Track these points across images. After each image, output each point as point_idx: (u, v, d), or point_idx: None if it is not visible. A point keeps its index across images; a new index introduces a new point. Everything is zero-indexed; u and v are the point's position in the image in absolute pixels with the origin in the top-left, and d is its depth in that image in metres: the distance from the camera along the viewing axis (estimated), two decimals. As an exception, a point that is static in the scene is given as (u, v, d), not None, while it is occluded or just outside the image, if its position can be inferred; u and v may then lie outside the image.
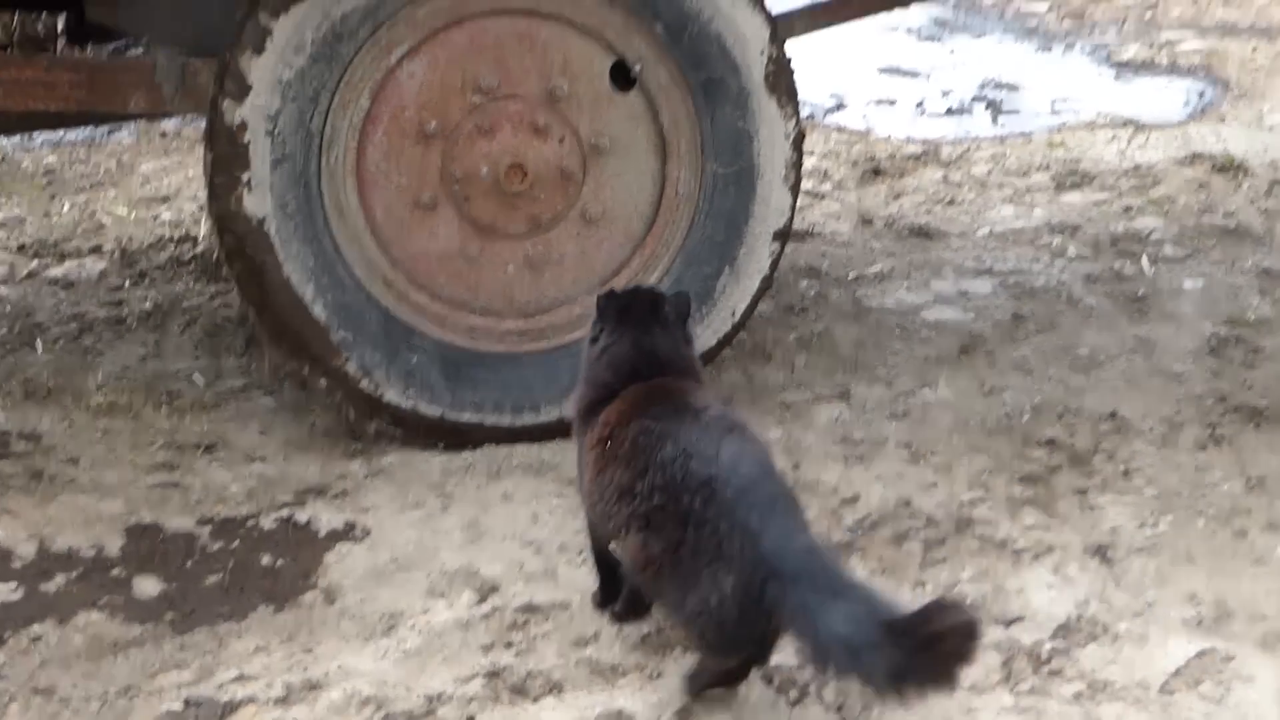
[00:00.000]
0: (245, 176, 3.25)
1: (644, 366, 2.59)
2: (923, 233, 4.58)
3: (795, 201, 3.47)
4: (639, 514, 2.40)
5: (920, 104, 5.90)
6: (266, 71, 3.20)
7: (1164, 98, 5.86)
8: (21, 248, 4.63)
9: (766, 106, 3.38)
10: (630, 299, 2.70)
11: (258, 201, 3.26)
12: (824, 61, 5.30)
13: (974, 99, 5.91)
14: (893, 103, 5.90)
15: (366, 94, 3.27)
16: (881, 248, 4.50)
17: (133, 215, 4.88)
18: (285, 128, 3.24)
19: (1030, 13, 6.79)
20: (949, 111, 5.81)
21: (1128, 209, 4.71)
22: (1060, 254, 4.41)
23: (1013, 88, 6.00)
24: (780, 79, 3.37)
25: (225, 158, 3.24)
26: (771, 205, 3.44)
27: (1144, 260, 4.34)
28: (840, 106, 5.86)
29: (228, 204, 3.27)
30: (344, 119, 3.27)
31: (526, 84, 3.32)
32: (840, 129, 5.59)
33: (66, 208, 4.95)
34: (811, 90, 5.73)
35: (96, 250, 4.61)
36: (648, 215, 3.43)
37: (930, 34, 6.62)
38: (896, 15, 6.66)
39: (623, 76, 3.34)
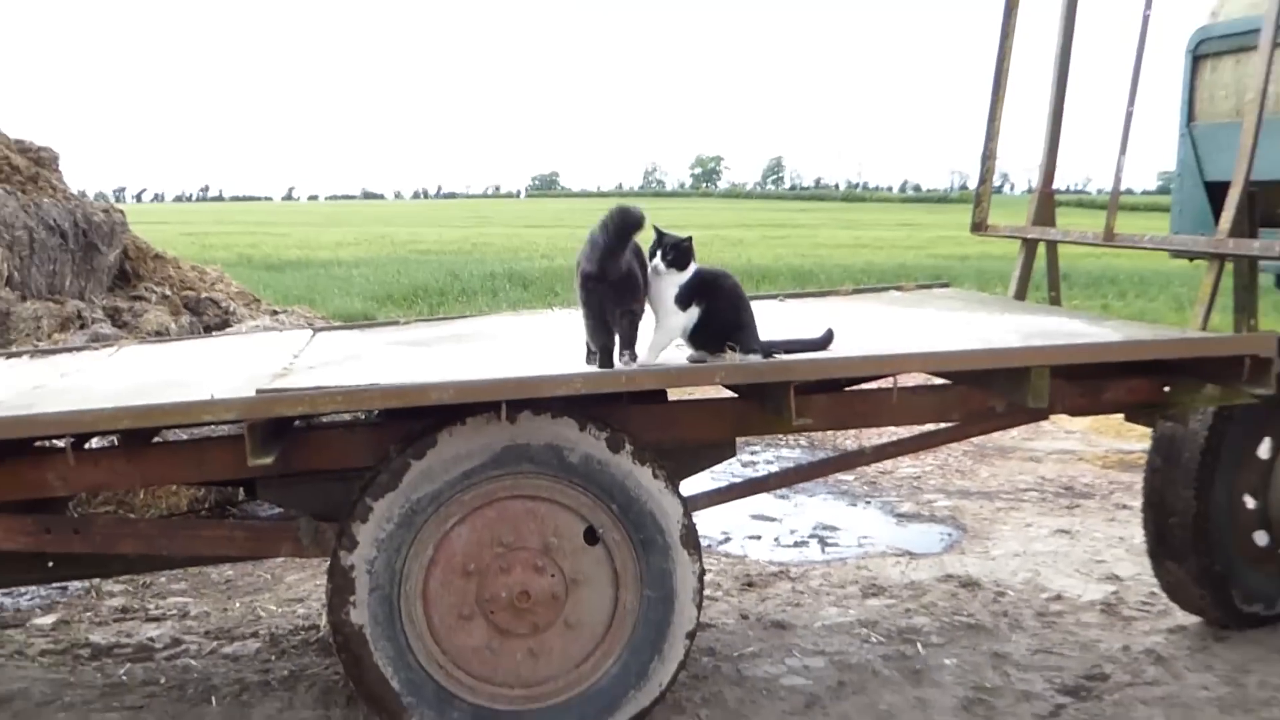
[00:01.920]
0: (351, 599, 3.27)
1: None
2: (780, 625, 4.58)
3: (699, 613, 3.49)
4: None
5: (777, 538, 5.94)
6: (368, 534, 3.26)
7: (927, 536, 5.94)
8: (207, 633, 4.57)
9: (681, 555, 3.43)
10: None
11: (359, 614, 3.27)
12: (717, 512, 5.33)
13: (810, 536, 5.97)
14: (759, 537, 5.95)
15: (431, 547, 3.32)
16: (754, 635, 4.48)
17: (280, 611, 4.83)
18: (379, 569, 3.27)
19: (842, 480, 6.92)
20: (795, 544, 5.85)
21: (907, 610, 4.73)
22: (866, 640, 4.40)
23: (834, 529, 6.07)
24: (690, 537, 3.44)
25: (340, 586, 3.27)
26: (685, 616, 3.45)
27: (919, 646, 4.33)
28: (727, 539, 5.90)
29: (339, 615, 3.28)
30: (416, 563, 3.31)
31: (531, 540, 3.38)
32: (727, 554, 5.63)
33: (237, 606, 4.90)
34: (709, 530, 5.82)
35: (254, 635, 4.55)
36: (606, 623, 3.43)
37: (782, 494, 6.70)
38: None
39: (592, 536, 3.40)
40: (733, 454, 3.83)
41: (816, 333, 3.56)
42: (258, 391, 3.08)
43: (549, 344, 4.06)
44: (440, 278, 19.54)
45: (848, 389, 3.92)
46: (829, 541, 5.84)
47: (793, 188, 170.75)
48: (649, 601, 3.43)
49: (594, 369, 3.24)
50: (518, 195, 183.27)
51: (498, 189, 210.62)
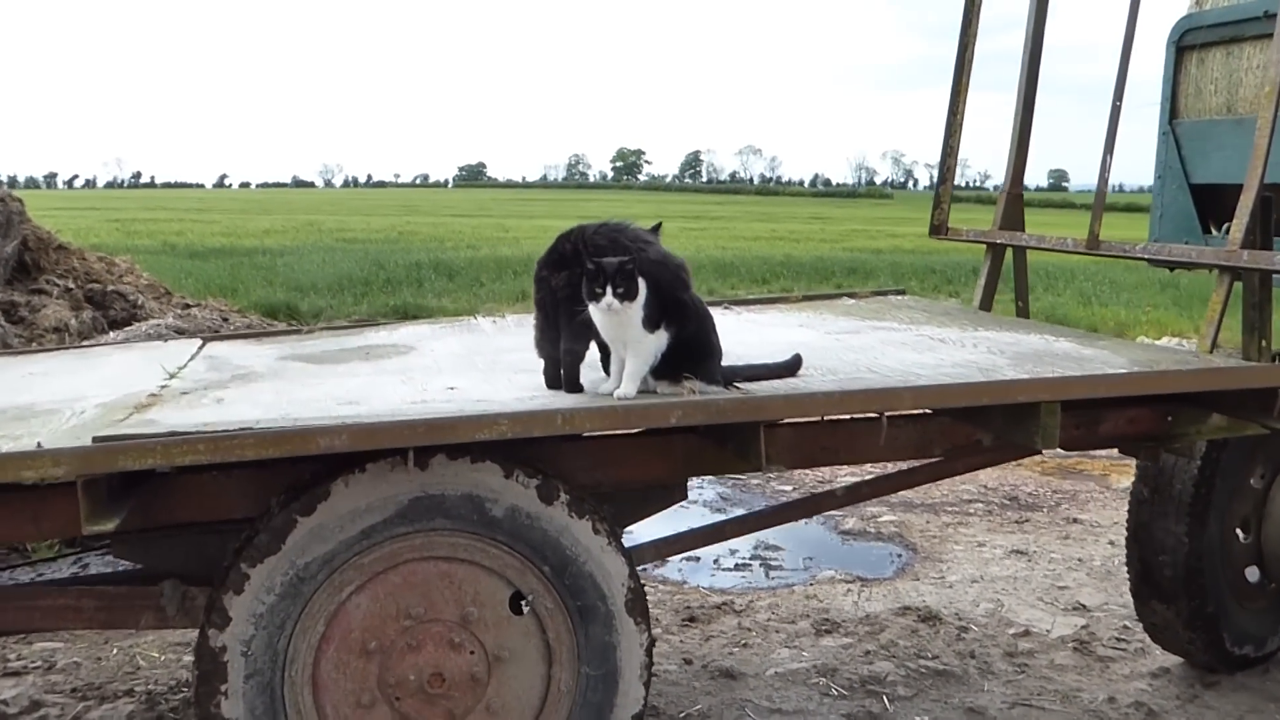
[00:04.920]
0: (223, 687, 2.50)
1: None
2: (728, 674, 3.91)
3: (648, 693, 2.77)
4: None
5: (717, 560, 5.27)
6: (244, 607, 2.50)
7: (875, 558, 5.33)
8: (74, 690, 3.76)
9: (626, 623, 2.71)
10: None
11: (232, 707, 2.51)
12: (651, 533, 4.63)
13: (751, 557, 5.32)
14: (698, 559, 5.25)
15: (322, 621, 2.57)
16: (700, 687, 3.80)
17: (163, 659, 4.04)
18: (257, 650, 2.52)
19: (781, 491, 6.30)
20: (736, 567, 5.20)
21: (867, 653, 4.09)
22: (826, 693, 3.75)
23: (776, 548, 5.41)
24: (636, 603, 2.72)
25: (208, 673, 2.51)
26: (630, 697, 2.74)
27: (885, 700, 3.69)
28: (663, 563, 5.19)
29: (208, 708, 2.51)
30: (304, 641, 2.56)
31: (446, 611, 2.64)
32: (664, 581, 4.97)
33: (115, 652, 4.09)
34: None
35: (129, 692, 3.75)
36: (536, 707, 2.71)
37: (718, 506, 6.08)
38: (696, 491, 6.16)
39: (519, 603, 2.67)
40: (683, 496, 3.11)
41: (774, 348, 2.91)
42: (94, 440, 2.30)
43: (473, 361, 3.34)
44: (365, 267, 18.55)
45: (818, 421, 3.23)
46: (772, 564, 5.17)
47: (709, 181, 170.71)
48: (588, 680, 2.71)
49: (520, 409, 2.52)
50: (445, 185, 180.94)
51: (426, 178, 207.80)
